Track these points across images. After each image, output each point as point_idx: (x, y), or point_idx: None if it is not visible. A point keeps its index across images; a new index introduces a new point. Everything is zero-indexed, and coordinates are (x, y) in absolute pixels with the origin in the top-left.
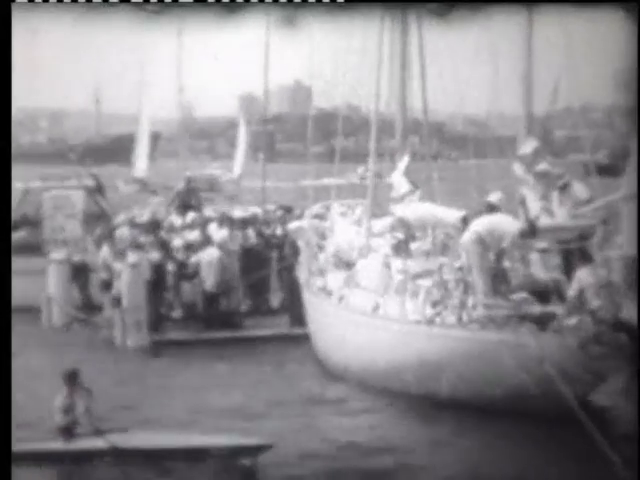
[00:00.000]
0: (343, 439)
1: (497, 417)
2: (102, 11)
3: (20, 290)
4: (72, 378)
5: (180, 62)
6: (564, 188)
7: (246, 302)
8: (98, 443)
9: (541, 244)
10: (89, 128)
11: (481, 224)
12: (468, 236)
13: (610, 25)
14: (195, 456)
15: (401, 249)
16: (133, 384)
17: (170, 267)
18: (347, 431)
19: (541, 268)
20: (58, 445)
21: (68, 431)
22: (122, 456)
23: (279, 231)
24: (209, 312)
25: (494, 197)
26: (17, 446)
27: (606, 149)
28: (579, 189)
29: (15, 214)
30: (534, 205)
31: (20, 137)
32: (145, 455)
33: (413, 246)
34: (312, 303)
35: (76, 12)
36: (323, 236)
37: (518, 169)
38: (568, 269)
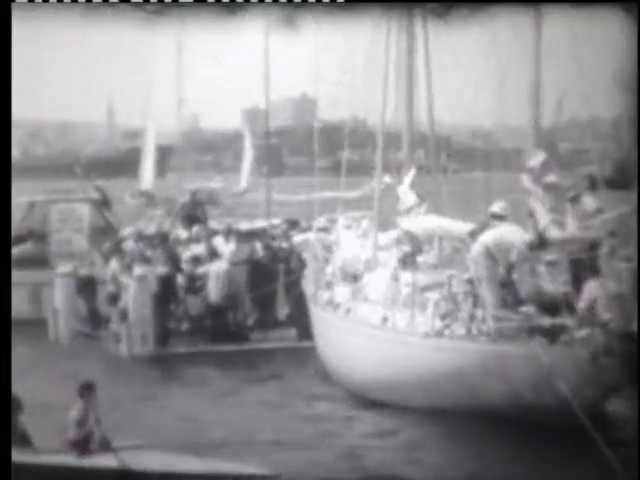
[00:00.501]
0: (351, 455)
1: (506, 429)
2: (102, 11)
3: (27, 302)
4: (87, 390)
5: (181, 72)
6: (575, 200)
7: (253, 315)
8: (110, 461)
9: (549, 256)
10: (98, 140)
11: (489, 236)
12: (477, 249)
13: (610, 25)
14: None
15: (408, 262)
16: (137, 398)
17: (179, 280)
18: (355, 447)
19: (549, 280)
20: (70, 460)
21: (82, 445)
22: (133, 477)
23: (285, 244)
24: (216, 325)
25: (497, 207)
26: (23, 458)
27: (610, 161)
28: (587, 201)
29: (21, 227)
30: (543, 217)
31: (33, 149)
32: (155, 478)
33: (420, 259)
34: (319, 316)
35: (76, 12)
36: (329, 249)
37: (527, 181)
38: (576, 281)
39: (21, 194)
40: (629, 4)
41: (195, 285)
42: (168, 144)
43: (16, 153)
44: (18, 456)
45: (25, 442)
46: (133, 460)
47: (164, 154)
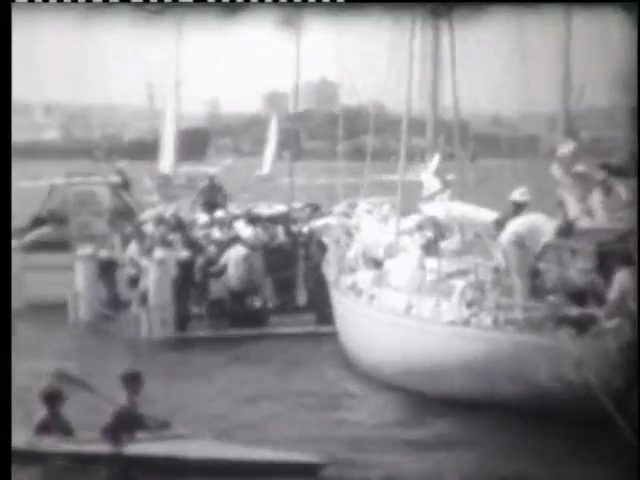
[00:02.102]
0: (368, 441)
1: (531, 420)
2: (102, 11)
3: (47, 285)
4: (133, 380)
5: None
6: (606, 188)
7: (272, 300)
8: (153, 449)
9: (578, 245)
10: (138, 123)
11: (520, 224)
12: (507, 237)
13: (610, 25)
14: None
15: (431, 248)
16: (158, 382)
17: (199, 264)
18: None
19: (576, 269)
20: (104, 449)
21: (114, 434)
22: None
23: (306, 229)
24: (235, 309)
25: (517, 194)
26: (64, 447)
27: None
28: (621, 190)
29: (42, 210)
30: (573, 206)
31: (74, 132)
32: (200, 465)
33: (442, 245)
34: (341, 302)
35: (76, 12)
36: (349, 234)
37: (556, 170)
38: (604, 271)
39: (58, 175)
40: (629, 4)
41: (215, 269)
42: (205, 127)
43: (56, 135)
44: (60, 444)
45: (68, 432)
46: (180, 448)
47: (204, 138)
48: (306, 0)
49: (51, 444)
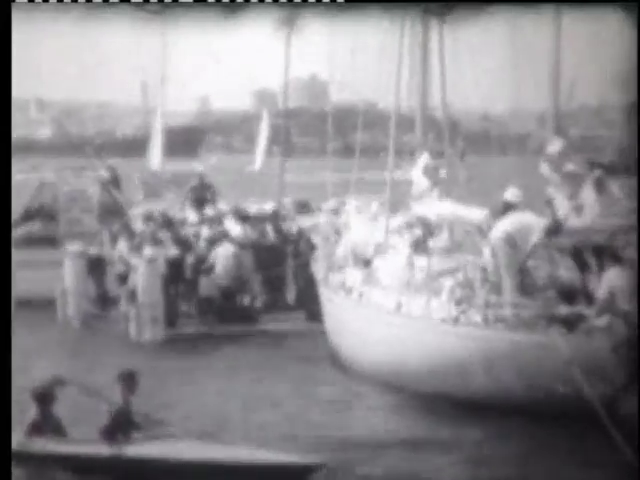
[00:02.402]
0: (359, 439)
1: (520, 419)
2: (102, 11)
3: (36, 282)
4: (129, 380)
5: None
6: (599, 186)
7: (262, 297)
8: (149, 451)
9: (567, 243)
10: (132, 120)
11: (510, 223)
12: (497, 235)
13: (603, 24)
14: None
15: (420, 246)
16: (148, 381)
17: (189, 261)
18: (364, 430)
19: (565, 267)
20: (102, 450)
21: (111, 434)
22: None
23: (295, 226)
24: (225, 307)
25: (510, 194)
26: (57, 448)
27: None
28: (614, 188)
29: (31, 206)
30: (562, 205)
31: (68, 128)
32: (193, 468)
33: (431, 243)
34: (330, 300)
35: (76, 12)
36: (338, 232)
37: (545, 169)
38: (582, 269)
39: (49, 170)
40: (629, 4)
41: (204, 267)
42: (197, 125)
43: (48, 132)
44: (52, 446)
45: (59, 432)
46: (173, 450)
47: (200, 135)
48: (306, 0)
49: (43, 445)
